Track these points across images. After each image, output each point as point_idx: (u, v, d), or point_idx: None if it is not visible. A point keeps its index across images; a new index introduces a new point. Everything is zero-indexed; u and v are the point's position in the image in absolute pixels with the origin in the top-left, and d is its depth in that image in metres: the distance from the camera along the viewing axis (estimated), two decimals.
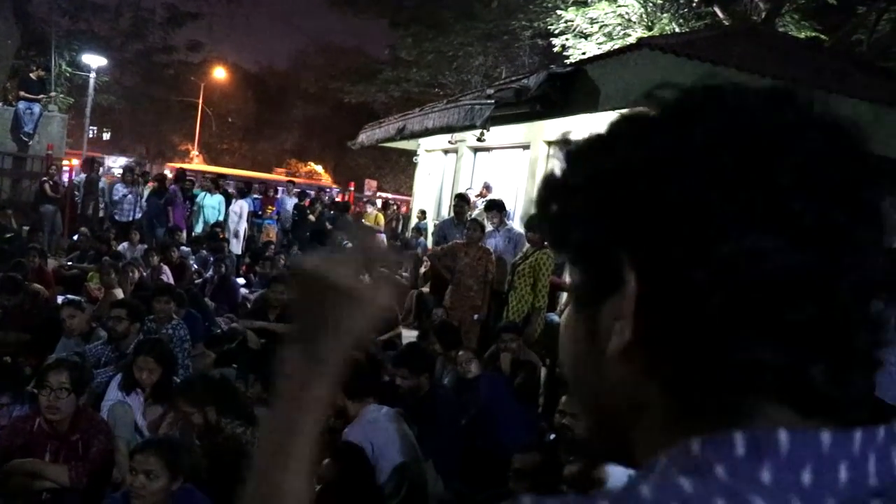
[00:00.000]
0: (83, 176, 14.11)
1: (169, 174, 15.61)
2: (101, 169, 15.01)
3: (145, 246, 10.24)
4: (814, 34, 14.03)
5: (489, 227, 7.87)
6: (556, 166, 0.57)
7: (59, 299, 6.80)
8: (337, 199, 17.15)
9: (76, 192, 13.51)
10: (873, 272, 0.48)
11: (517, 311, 6.74)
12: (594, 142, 0.55)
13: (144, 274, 8.07)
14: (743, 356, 0.47)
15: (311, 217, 14.52)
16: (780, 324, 0.47)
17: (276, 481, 0.70)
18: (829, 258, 0.47)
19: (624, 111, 0.55)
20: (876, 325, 0.49)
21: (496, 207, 7.85)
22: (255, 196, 15.37)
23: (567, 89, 7.65)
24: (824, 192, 0.47)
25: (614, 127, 0.55)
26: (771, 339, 0.47)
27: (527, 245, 6.96)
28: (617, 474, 0.74)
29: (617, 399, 0.54)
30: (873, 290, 0.49)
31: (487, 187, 10.85)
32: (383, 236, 15.79)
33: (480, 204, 10.26)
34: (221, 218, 12.98)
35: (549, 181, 0.57)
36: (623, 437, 0.55)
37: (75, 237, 11.59)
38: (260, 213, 14.40)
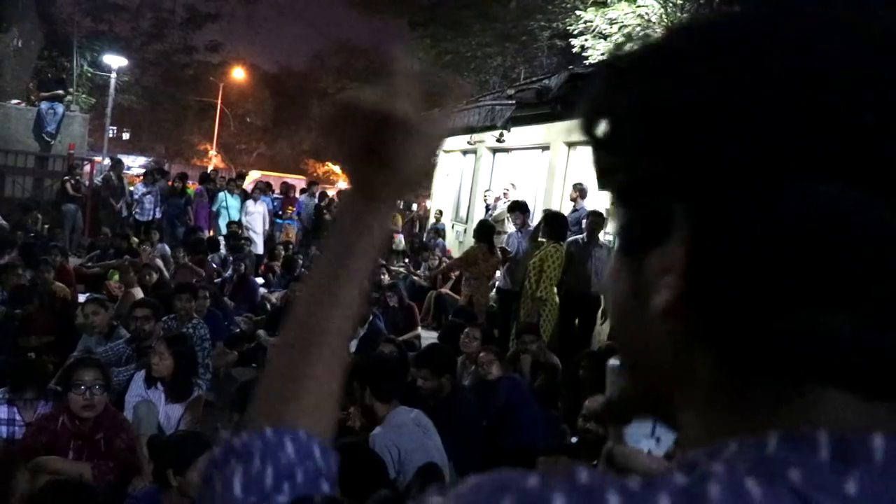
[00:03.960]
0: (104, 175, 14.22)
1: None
2: (121, 168, 15.12)
3: (165, 245, 10.31)
4: None
5: (512, 229, 7.90)
6: (604, 78, 0.49)
7: (81, 298, 6.85)
8: None
9: (103, 192, 13.59)
10: None
11: (525, 305, 6.81)
12: (651, 55, 0.47)
13: (166, 274, 8.13)
14: (809, 325, 0.41)
15: (328, 216, 14.49)
16: (858, 290, 0.40)
17: (325, 311, 0.67)
18: None
19: (688, 18, 0.49)
20: None
21: (519, 209, 7.86)
22: (276, 196, 15.39)
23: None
24: None
25: (675, 39, 0.47)
26: (844, 307, 0.41)
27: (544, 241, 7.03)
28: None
29: (661, 359, 0.48)
30: None
31: (510, 187, 10.81)
32: (401, 236, 15.72)
33: (501, 205, 10.23)
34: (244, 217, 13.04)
35: (596, 98, 0.48)
36: (666, 399, 0.49)
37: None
38: (280, 213, 14.41)
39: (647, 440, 0.68)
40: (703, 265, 0.43)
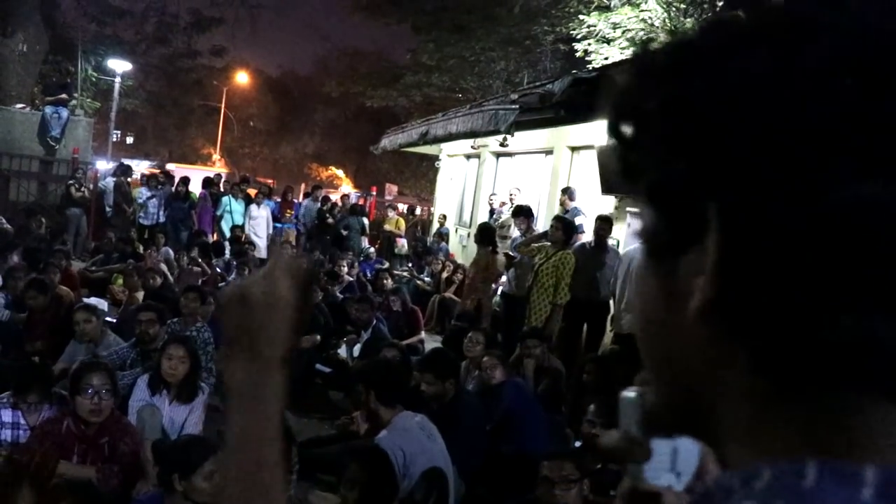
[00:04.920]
0: (110, 180, 14.24)
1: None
2: (131, 173, 15.18)
3: (169, 249, 10.33)
4: None
5: (516, 233, 7.90)
6: (630, 78, 0.46)
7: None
8: (357, 203, 17.04)
9: (116, 197, 13.60)
10: None
11: (538, 310, 6.78)
12: (679, 52, 0.45)
13: (170, 278, 8.15)
14: (851, 330, 0.38)
15: (330, 220, 14.47)
16: None
17: (252, 479, 0.74)
18: None
19: (712, 16, 0.47)
20: None
21: (524, 213, 7.88)
22: (276, 200, 15.44)
23: (592, 94, 7.61)
24: None
25: (704, 36, 0.44)
26: (889, 312, 0.38)
27: (548, 245, 7.02)
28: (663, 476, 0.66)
29: (696, 368, 0.45)
30: None
31: (516, 191, 10.79)
32: (404, 241, 15.70)
33: (507, 211, 10.23)
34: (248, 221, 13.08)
35: (622, 97, 0.46)
36: (702, 413, 0.46)
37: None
38: (278, 216, 14.44)
39: (667, 475, 0.63)
40: (738, 268, 0.41)
